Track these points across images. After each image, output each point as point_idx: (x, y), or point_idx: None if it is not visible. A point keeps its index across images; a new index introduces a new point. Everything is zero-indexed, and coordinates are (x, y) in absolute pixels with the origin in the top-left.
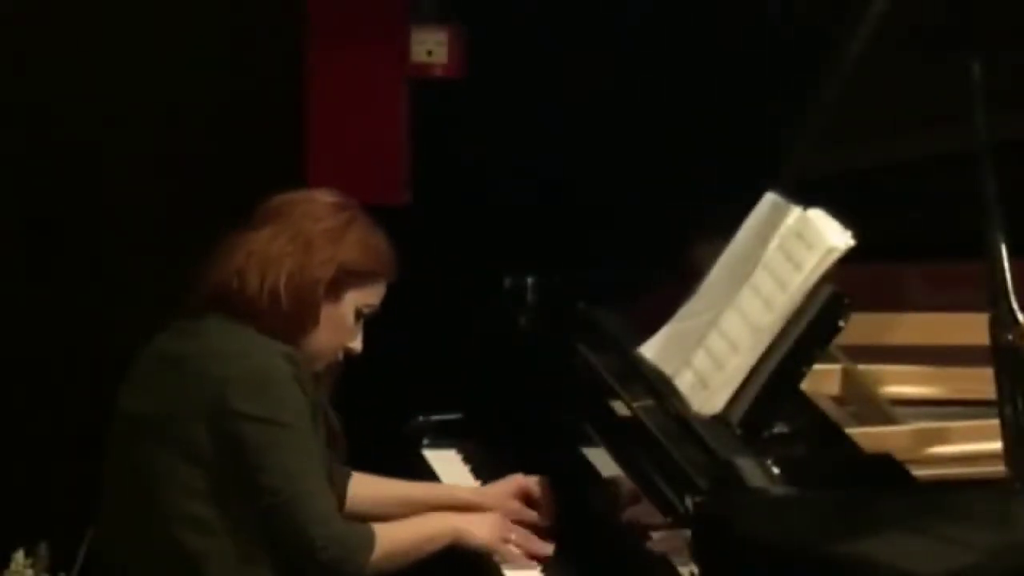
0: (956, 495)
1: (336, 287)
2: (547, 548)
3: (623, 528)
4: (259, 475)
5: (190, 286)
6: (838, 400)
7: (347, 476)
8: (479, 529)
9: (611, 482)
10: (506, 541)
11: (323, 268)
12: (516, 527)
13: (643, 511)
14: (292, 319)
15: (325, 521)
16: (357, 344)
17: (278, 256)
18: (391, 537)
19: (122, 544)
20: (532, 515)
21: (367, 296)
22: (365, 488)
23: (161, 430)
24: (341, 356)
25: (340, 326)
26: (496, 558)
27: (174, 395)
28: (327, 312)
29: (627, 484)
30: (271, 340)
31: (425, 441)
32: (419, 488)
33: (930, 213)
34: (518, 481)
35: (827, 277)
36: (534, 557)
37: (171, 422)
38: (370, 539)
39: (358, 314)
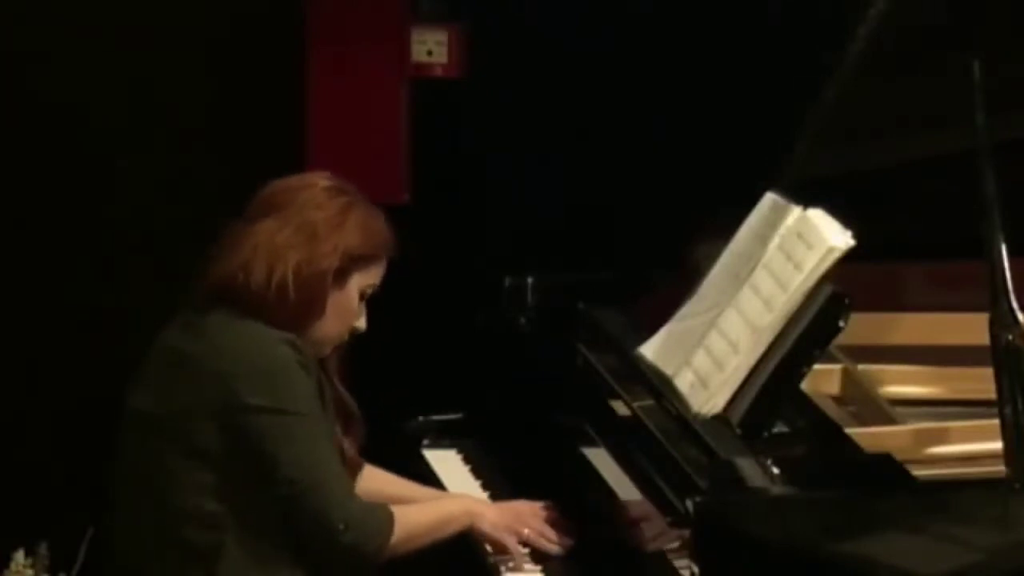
0: (956, 495)
1: (342, 274)
2: (556, 548)
3: (623, 528)
4: (275, 466)
5: (194, 280)
6: (838, 400)
7: (359, 468)
8: (496, 516)
9: (616, 498)
10: (519, 533)
11: (329, 257)
12: (534, 519)
13: (644, 514)
14: (300, 310)
15: (343, 504)
16: (362, 323)
17: (284, 249)
18: (409, 519)
19: (131, 542)
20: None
21: (370, 277)
22: (373, 483)
23: (171, 429)
24: (347, 337)
25: (347, 310)
26: (496, 560)
27: (182, 394)
28: (334, 299)
29: (630, 498)
30: (272, 330)
31: (425, 441)
32: (426, 494)
33: (930, 213)
34: (524, 508)
35: (827, 277)
36: (544, 553)
37: (181, 421)
38: (389, 521)
39: (362, 295)
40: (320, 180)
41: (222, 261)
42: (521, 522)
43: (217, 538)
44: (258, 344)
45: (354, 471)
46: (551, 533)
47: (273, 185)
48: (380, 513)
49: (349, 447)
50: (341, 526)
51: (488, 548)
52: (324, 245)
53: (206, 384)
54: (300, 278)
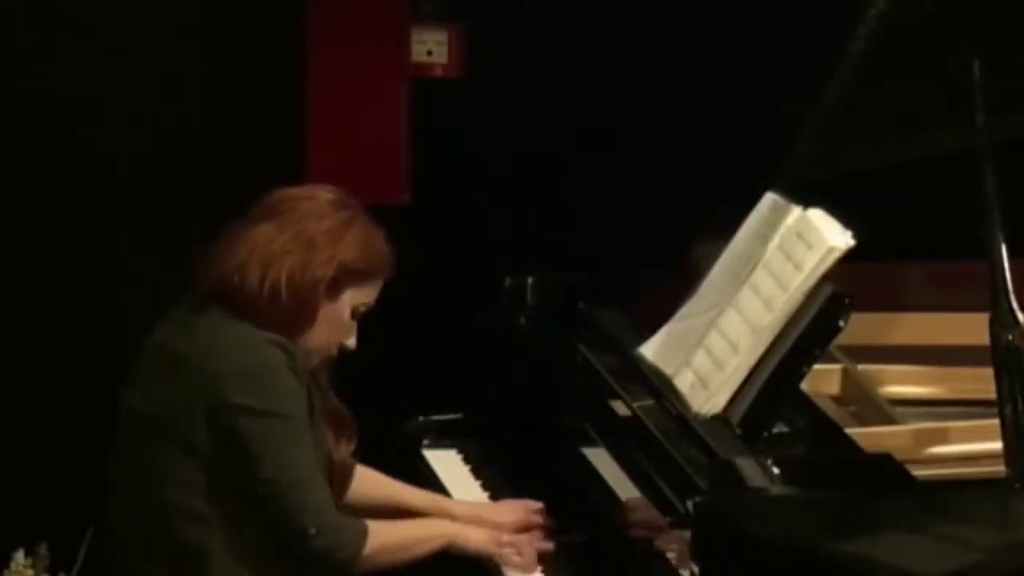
0: (956, 495)
1: (335, 286)
2: (546, 546)
3: (623, 528)
4: (256, 465)
5: (191, 279)
6: (838, 400)
7: (351, 471)
8: (475, 535)
9: (616, 498)
10: (501, 546)
11: (324, 267)
12: (512, 537)
13: (644, 514)
14: (291, 316)
15: (318, 511)
16: (352, 341)
17: (280, 254)
18: (385, 534)
19: (126, 540)
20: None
21: (364, 294)
22: (365, 484)
23: (162, 427)
24: (335, 352)
25: (337, 324)
26: (494, 560)
27: (174, 393)
28: (325, 310)
29: (631, 500)
30: (263, 332)
31: (425, 441)
32: (418, 495)
33: (930, 213)
34: (523, 506)
35: (827, 277)
36: (544, 554)
37: (172, 420)
38: (363, 532)
39: (354, 312)
40: (325, 193)
41: (218, 262)
42: (500, 537)
43: (208, 536)
44: (248, 345)
45: (347, 475)
46: (527, 547)
47: (278, 192)
48: (354, 525)
49: (341, 452)
50: (313, 531)
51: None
52: (320, 254)
53: (196, 383)
54: (293, 284)
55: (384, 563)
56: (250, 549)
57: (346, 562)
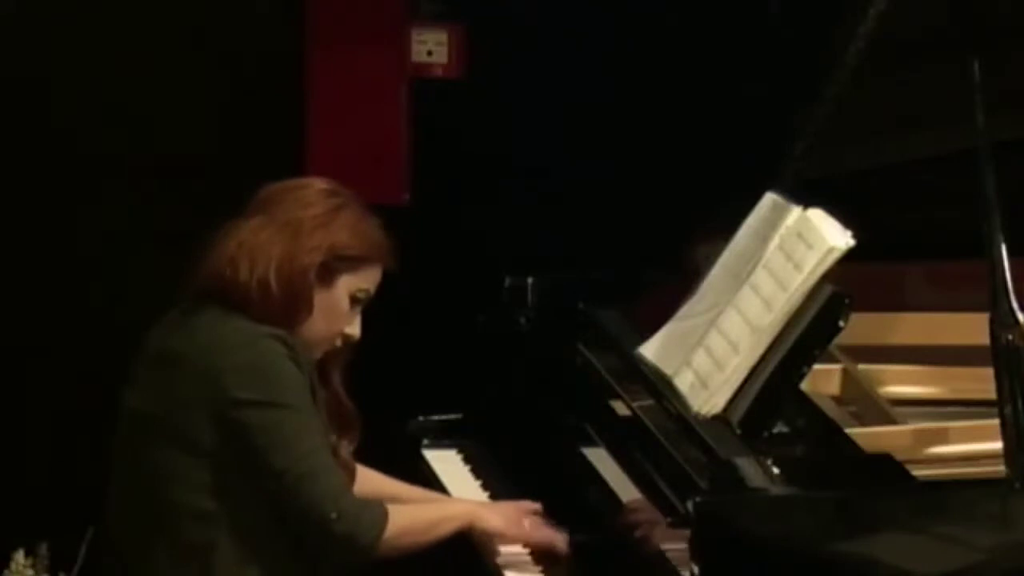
0: (956, 495)
1: (328, 272)
2: (560, 540)
3: (623, 528)
4: (266, 458)
5: (184, 278)
6: (838, 400)
7: (353, 472)
8: (495, 517)
9: (616, 498)
10: (522, 529)
11: (312, 254)
12: (531, 518)
13: (644, 513)
14: (285, 306)
15: (335, 496)
16: (354, 330)
17: (267, 244)
18: (404, 516)
19: (125, 539)
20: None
21: (360, 280)
22: (367, 484)
23: (164, 427)
24: (339, 343)
25: (334, 312)
26: (500, 560)
27: (175, 393)
28: (320, 298)
29: (631, 500)
30: (260, 325)
31: (425, 441)
32: (420, 494)
33: (930, 213)
34: (521, 507)
35: (827, 277)
36: (544, 552)
37: (174, 419)
38: (382, 515)
39: (353, 299)
40: (316, 183)
41: (209, 258)
42: (522, 519)
43: (212, 535)
44: (246, 340)
45: (349, 476)
46: (549, 531)
47: (269, 186)
48: (374, 507)
49: (343, 452)
50: (333, 515)
51: (493, 549)
52: (308, 241)
53: (196, 381)
54: (281, 274)
55: (404, 547)
56: (257, 547)
57: (367, 547)
